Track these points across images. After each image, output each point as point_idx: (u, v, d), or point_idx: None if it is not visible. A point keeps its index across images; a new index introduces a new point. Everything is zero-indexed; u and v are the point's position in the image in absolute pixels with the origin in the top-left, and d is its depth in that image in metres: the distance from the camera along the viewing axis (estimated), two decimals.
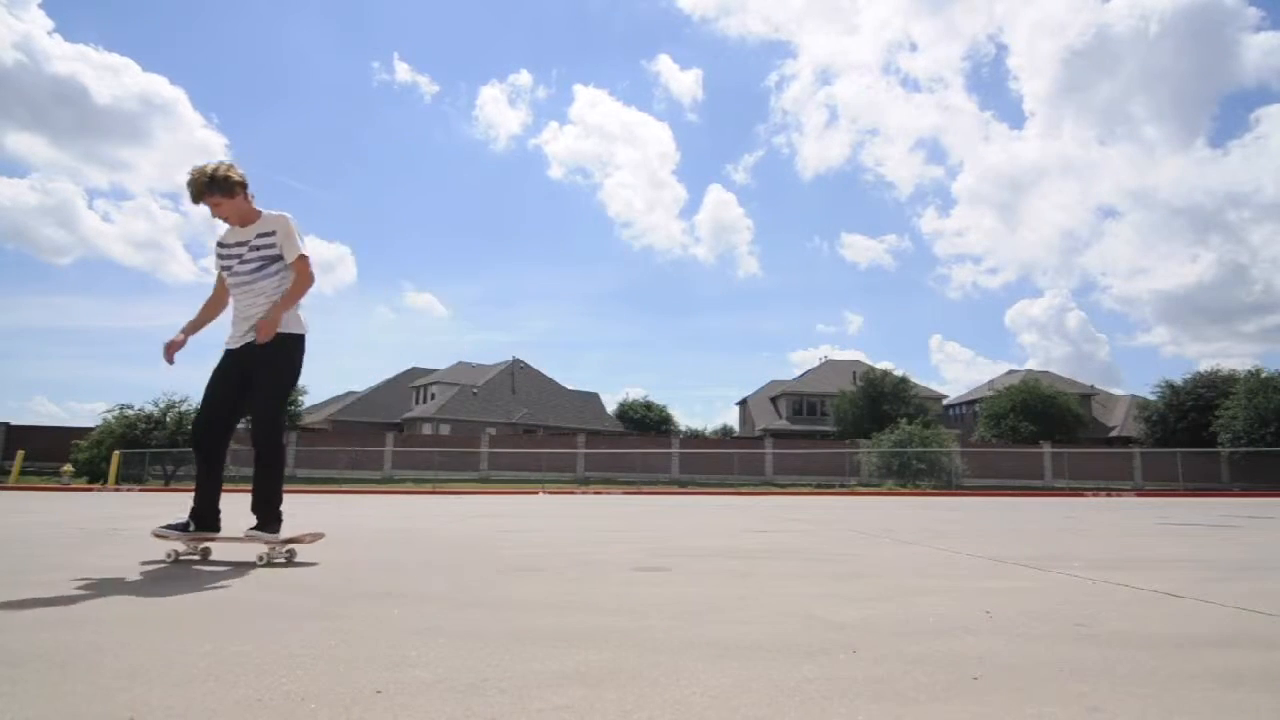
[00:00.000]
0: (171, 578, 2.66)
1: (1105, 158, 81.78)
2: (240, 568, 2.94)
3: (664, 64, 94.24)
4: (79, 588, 2.40)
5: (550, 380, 48.72)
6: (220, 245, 3.33)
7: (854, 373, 42.85)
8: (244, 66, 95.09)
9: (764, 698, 1.23)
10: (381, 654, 1.52)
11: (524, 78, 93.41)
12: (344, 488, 20.73)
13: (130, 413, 23.71)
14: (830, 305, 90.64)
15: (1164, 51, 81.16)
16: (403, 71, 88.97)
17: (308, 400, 41.63)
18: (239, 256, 3.25)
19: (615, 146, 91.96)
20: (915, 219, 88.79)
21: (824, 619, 1.94)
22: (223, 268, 3.31)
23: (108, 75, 75.17)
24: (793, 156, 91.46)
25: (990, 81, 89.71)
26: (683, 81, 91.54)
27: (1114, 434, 42.11)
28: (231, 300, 3.35)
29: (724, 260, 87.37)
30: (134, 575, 2.72)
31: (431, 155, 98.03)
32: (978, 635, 1.74)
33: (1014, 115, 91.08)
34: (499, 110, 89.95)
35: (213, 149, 77.67)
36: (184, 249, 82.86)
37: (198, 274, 77.21)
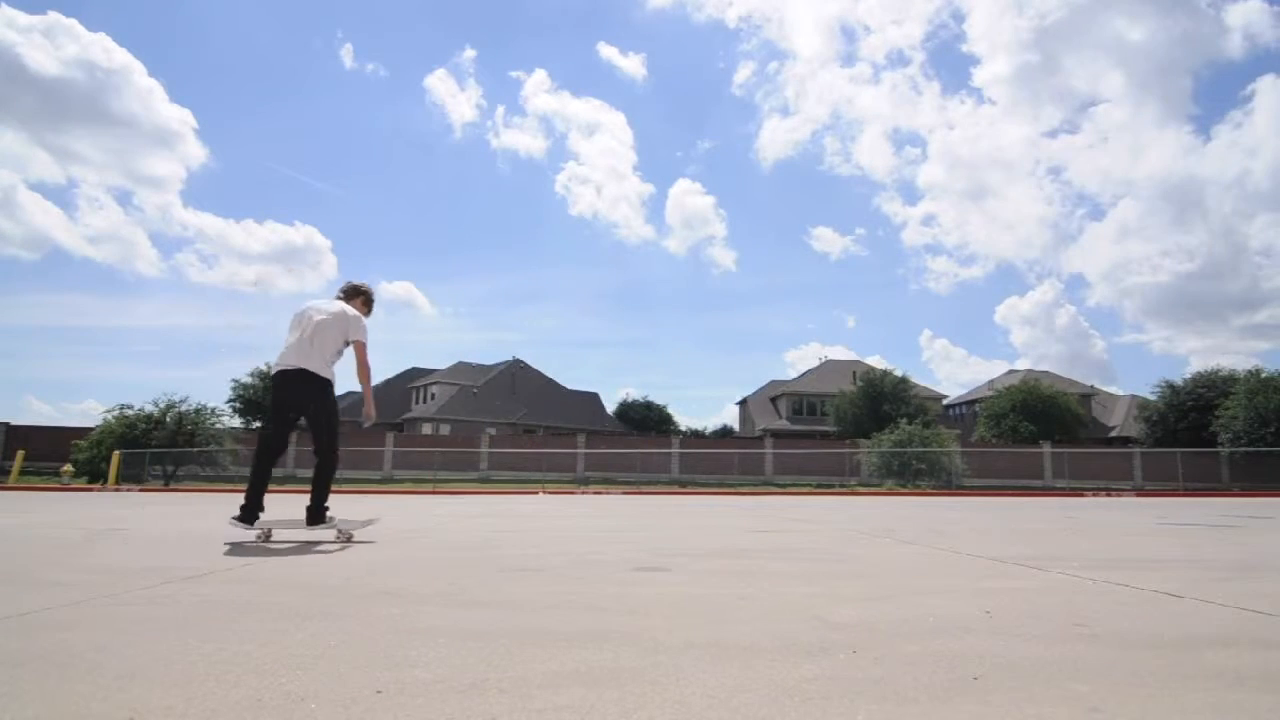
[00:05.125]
0: (171, 579, 2.66)
1: (1086, 144, 79.55)
2: (240, 568, 2.94)
3: (607, 51, 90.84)
4: (79, 588, 2.40)
5: (550, 380, 48.73)
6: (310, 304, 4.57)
7: (854, 373, 42.85)
8: (196, 50, 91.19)
9: (764, 698, 1.23)
10: (381, 654, 1.52)
11: (468, 54, 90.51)
12: (343, 488, 20.70)
13: (130, 413, 23.67)
14: (813, 300, 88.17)
15: (1143, 27, 78.52)
16: (347, 55, 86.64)
17: None
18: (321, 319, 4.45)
19: (574, 141, 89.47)
20: (884, 209, 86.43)
21: (824, 619, 1.94)
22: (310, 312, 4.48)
23: (47, 44, 67.58)
24: (748, 148, 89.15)
25: (955, 63, 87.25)
26: (628, 69, 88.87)
27: (1114, 434, 42.11)
28: (301, 333, 4.35)
29: (698, 257, 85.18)
30: (134, 575, 2.72)
31: (390, 144, 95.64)
32: (978, 635, 1.74)
33: (980, 98, 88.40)
34: (449, 94, 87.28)
35: (180, 131, 75.28)
36: (150, 243, 79.76)
37: (165, 271, 75.34)
